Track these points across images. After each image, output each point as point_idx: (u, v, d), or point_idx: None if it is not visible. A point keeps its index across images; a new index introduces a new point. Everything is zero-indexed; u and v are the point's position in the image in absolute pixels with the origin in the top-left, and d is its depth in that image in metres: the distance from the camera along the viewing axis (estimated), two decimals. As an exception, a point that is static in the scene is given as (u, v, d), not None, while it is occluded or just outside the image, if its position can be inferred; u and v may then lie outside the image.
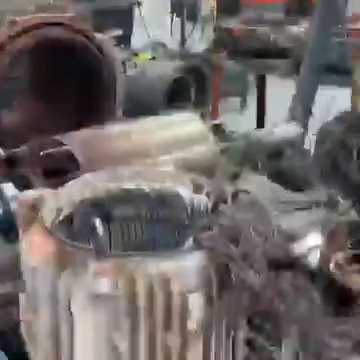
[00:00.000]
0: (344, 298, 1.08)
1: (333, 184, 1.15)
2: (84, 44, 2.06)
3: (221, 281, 1.02)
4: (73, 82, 2.29)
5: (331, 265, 1.11)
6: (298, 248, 1.05)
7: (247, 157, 1.63)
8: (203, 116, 2.43)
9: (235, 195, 1.17)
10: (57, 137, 1.94)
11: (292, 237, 1.14)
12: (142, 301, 0.97)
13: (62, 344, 1.01)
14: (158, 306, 0.98)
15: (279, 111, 3.26)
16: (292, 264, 0.97)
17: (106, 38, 2.26)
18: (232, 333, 1.07)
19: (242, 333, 1.06)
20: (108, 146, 1.95)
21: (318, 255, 1.19)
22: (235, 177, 1.85)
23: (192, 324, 0.98)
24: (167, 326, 1.00)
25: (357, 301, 1.06)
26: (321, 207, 1.29)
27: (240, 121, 4.37)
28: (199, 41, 5.51)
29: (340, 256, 1.12)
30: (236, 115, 4.97)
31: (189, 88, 4.19)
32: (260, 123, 4.06)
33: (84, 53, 2.09)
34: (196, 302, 0.99)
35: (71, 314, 0.98)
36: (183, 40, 5.61)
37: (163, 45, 5.00)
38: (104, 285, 0.96)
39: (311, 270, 1.07)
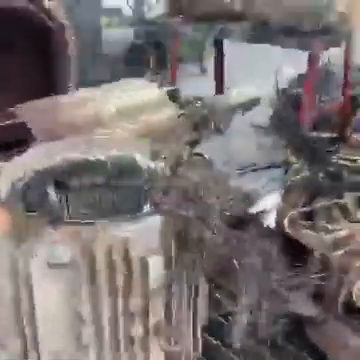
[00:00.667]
0: (298, 253, 1.11)
1: (286, 141, 1.17)
2: (29, 9, 1.97)
3: (179, 242, 1.03)
4: (22, 51, 2.21)
5: (285, 222, 1.15)
6: (254, 207, 1.07)
7: (204, 121, 1.63)
8: (162, 82, 2.41)
9: (190, 158, 1.17)
10: (10, 109, 1.88)
11: (248, 197, 1.16)
12: (101, 267, 0.98)
13: (24, 315, 1.01)
14: (118, 271, 0.99)
15: (237, 75, 3.26)
16: (248, 222, 0.99)
17: (55, 4, 2.17)
18: (192, 292, 1.10)
19: (202, 291, 1.09)
20: (63, 115, 1.91)
21: (274, 213, 1.22)
22: (193, 142, 1.85)
23: (153, 285, 0.99)
24: (128, 290, 1.01)
25: (309, 255, 1.10)
26: (276, 167, 1.31)
27: (200, 86, 4.35)
28: (154, 7, 5.39)
29: (294, 213, 1.15)
30: (196, 81, 4.95)
31: (146, 55, 4.13)
32: (219, 88, 4.06)
33: (30, 19, 2.01)
34: (156, 264, 1.00)
35: (31, 285, 0.98)
36: (138, 6, 5.47)
37: (118, 12, 4.86)
38: (61, 253, 0.96)
39: (267, 227, 1.10)
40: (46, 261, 0.97)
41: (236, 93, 2.10)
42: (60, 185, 1.20)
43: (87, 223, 1.00)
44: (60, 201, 0.96)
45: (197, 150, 1.26)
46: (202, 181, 1.04)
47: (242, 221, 1.01)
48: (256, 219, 1.04)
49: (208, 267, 1.01)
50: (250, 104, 1.88)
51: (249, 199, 1.18)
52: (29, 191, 1.18)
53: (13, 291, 1.01)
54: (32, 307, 1.00)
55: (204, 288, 1.10)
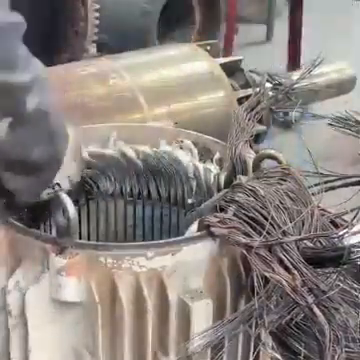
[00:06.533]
0: None
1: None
2: None
3: (237, 282, 1.02)
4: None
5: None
6: (345, 237, 1.06)
7: (276, 109, 1.62)
8: (213, 50, 2.41)
9: (258, 162, 1.17)
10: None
11: (337, 222, 1.14)
12: (125, 310, 0.98)
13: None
14: (147, 317, 0.99)
15: (321, 42, 3.23)
16: (336, 258, 0.97)
17: None
18: (250, 355, 1.08)
19: (267, 355, 1.08)
20: (75, 94, 1.93)
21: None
22: (259, 137, 1.84)
23: (195, 342, 0.98)
24: (160, 344, 1.01)
25: None
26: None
27: (265, 57, 4.34)
28: None
29: None
30: (260, 49, 4.94)
31: (192, 10, 4.14)
32: (294, 59, 4.02)
33: None
34: (201, 313, 0.99)
35: (27, 327, 0.99)
36: None
37: None
38: (71, 286, 0.96)
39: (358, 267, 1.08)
40: (49, 296, 0.97)
41: (321, 70, 2.07)
42: (73, 192, 1.22)
43: (107, 247, 1.01)
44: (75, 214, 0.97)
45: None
46: (274, 196, 1.03)
47: (329, 256, 1.00)
48: (348, 254, 1.02)
49: (276, 320, 1.00)
50: (343, 86, 1.85)
51: (337, 225, 1.16)
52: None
53: (1, 333, 1.03)
54: (25, 356, 1.01)
55: (267, 350, 1.09)
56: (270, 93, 1.50)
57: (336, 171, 1.32)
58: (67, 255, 0.97)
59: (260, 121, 1.86)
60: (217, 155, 1.29)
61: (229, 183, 1.19)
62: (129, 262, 0.98)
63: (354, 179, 1.38)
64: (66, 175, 1.14)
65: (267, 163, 1.17)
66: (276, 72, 2.00)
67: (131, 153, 1.30)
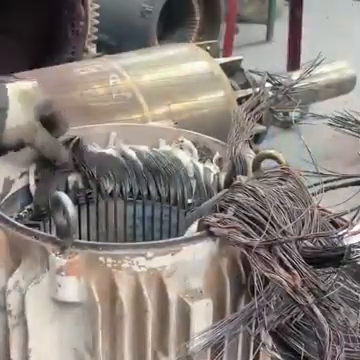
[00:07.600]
0: None
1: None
2: None
3: (237, 282, 1.02)
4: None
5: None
6: (345, 237, 1.06)
7: (276, 108, 1.62)
8: (213, 50, 2.41)
9: (258, 162, 1.17)
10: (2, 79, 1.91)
11: (337, 223, 1.14)
12: (124, 309, 0.98)
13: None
14: (147, 317, 0.99)
15: (321, 42, 3.23)
16: (336, 257, 0.97)
17: None
18: (250, 355, 1.08)
19: (267, 355, 1.08)
20: (76, 94, 1.94)
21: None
22: (259, 137, 1.84)
23: (195, 342, 0.98)
24: (160, 344, 1.01)
25: None
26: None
27: (265, 57, 4.35)
28: None
29: None
30: (260, 49, 4.94)
31: (192, 10, 4.14)
32: (294, 59, 4.03)
33: None
34: (201, 312, 0.99)
35: (26, 327, 0.99)
36: None
37: None
38: (71, 286, 0.96)
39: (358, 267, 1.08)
40: (49, 296, 0.97)
41: (321, 70, 2.07)
42: (72, 191, 1.22)
43: (107, 247, 1.01)
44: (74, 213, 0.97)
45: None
46: (274, 196, 1.03)
47: (329, 256, 1.00)
48: (348, 254, 1.02)
49: (276, 320, 1.00)
50: (343, 86, 1.85)
51: (337, 225, 1.16)
52: (33, 197, 1.20)
53: (1, 333, 1.03)
54: (25, 356, 1.01)
55: (267, 350, 1.09)
56: (270, 93, 1.50)
57: (336, 171, 1.32)
58: (67, 255, 0.96)
59: (260, 121, 1.86)
60: (217, 155, 1.29)
61: (229, 183, 1.19)
62: (129, 262, 0.98)
63: (354, 179, 1.38)
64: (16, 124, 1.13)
65: (267, 163, 1.17)
66: (276, 72, 2.00)
67: (131, 153, 1.30)
